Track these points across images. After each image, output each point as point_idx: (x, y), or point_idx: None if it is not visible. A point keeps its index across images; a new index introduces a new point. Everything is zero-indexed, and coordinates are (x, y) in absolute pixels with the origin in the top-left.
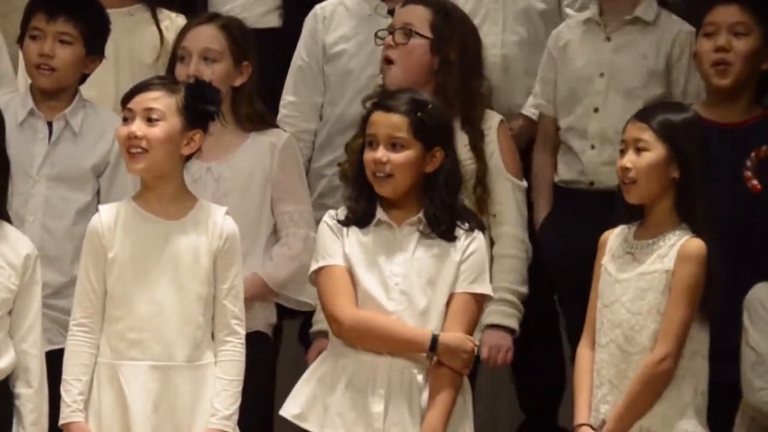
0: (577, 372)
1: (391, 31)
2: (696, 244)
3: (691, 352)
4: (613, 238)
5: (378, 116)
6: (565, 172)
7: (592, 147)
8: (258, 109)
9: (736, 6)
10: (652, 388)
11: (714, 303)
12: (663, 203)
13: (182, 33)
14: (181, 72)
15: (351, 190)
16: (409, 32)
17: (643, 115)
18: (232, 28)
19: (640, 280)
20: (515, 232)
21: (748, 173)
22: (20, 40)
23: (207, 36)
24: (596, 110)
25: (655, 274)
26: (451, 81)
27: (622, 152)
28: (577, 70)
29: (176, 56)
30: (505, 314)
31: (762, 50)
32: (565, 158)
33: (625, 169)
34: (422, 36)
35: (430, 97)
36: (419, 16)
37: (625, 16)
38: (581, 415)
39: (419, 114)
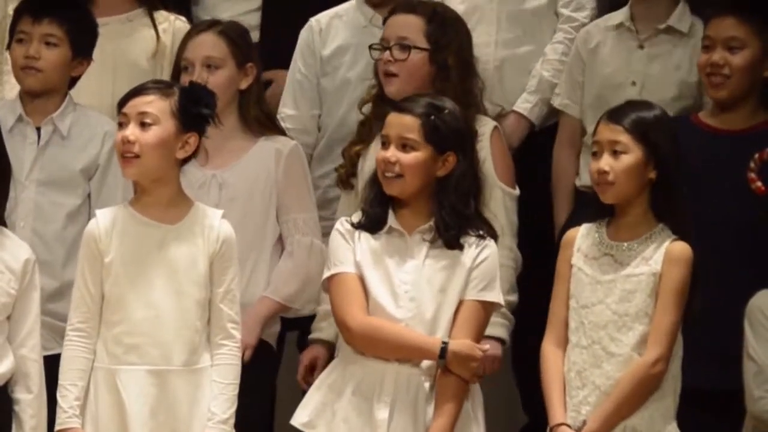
0: (547, 371)
1: (386, 45)
2: (683, 247)
3: (673, 354)
4: (581, 237)
5: (392, 117)
6: (589, 178)
7: None
8: (266, 110)
9: (732, 18)
10: (644, 390)
11: (696, 305)
12: (638, 204)
13: (183, 43)
14: (186, 82)
15: (367, 193)
16: (406, 47)
17: (615, 116)
18: (231, 32)
19: (625, 282)
20: (504, 240)
21: (752, 175)
22: (8, 46)
23: (207, 44)
24: None
25: (641, 277)
26: (450, 86)
27: (596, 154)
28: (608, 76)
29: (179, 67)
30: (493, 324)
31: (761, 60)
32: (579, 162)
33: (603, 173)
34: (420, 48)
35: (451, 103)
36: (413, 27)
37: (659, 24)
38: (558, 415)
39: (432, 117)
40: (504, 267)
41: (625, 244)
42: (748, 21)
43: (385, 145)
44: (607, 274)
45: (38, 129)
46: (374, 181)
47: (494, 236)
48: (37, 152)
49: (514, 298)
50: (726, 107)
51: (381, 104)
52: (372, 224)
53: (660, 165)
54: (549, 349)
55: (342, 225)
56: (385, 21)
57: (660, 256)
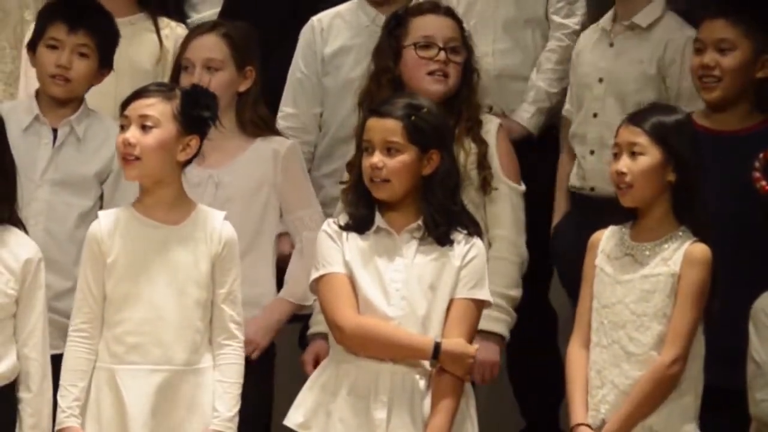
0: (571, 371)
1: (439, 45)
2: (703, 249)
3: (692, 355)
4: (605, 239)
5: (373, 122)
6: (573, 178)
7: (591, 152)
8: (261, 113)
9: (723, 20)
10: (662, 390)
11: (714, 306)
12: (659, 206)
13: (185, 43)
14: (185, 82)
15: (351, 196)
16: (460, 49)
17: (635, 119)
18: (234, 35)
19: (644, 282)
20: (510, 235)
21: (757, 174)
22: (31, 46)
23: (209, 46)
24: (595, 115)
25: (660, 277)
26: (471, 89)
27: (616, 156)
28: (582, 77)
29: (179, 66)
30: (493, 319)
31: (752, 61)
32: (574, 164)
33: (621, 174)
34: (465, 51)
35: (427, 101)
36: (456, 30)
37: (624, 21)
38: (579, 415)
39: (413, 118)
40: (507, 261)
41: (646, 244)
42: (739, 23)
43: (368, 150)
44: (626, 273)
45: (54, 130)
46: (357, 183)
47: (479, 234)
48: (52, 153)
49: (516, 293)
50: (718, 109)
51: None
52: (359, 225)
53: (679, 168)
54: (575, 350)
55: (329, 226)
56: (405, 17)
57: (679, 257)
